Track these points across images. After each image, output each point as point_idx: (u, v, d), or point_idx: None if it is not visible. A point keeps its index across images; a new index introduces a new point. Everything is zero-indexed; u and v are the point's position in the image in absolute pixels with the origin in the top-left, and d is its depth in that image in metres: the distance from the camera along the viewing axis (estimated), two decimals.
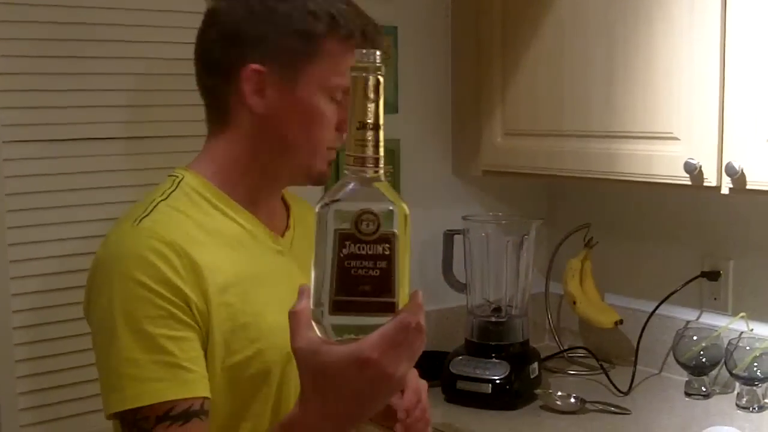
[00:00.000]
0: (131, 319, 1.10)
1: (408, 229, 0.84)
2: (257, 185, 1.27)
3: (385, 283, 0.82)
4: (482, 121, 2.18)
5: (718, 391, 2.07)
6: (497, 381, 2.01)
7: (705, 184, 1.75)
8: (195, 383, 1.11)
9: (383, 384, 0.85)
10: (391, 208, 0.83)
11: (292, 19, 1.21)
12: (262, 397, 1.20)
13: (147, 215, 1.17)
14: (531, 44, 2.05)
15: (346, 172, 0.85)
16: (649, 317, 2.16)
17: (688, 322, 2.14)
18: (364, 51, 0.85)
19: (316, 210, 0.84)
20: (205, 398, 1.12)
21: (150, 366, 1.09)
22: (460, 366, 2.05)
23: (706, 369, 2.06)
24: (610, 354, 2.31)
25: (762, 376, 1.97)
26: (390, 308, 0.83)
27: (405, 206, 0.84)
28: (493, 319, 2.11)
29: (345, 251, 0.81)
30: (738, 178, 1.69)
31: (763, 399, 1.99)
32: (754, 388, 1.98)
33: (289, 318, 0.86)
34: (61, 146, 1.80)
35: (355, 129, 0.84)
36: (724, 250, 2.13)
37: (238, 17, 1.22)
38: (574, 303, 2.28)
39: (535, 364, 2.08)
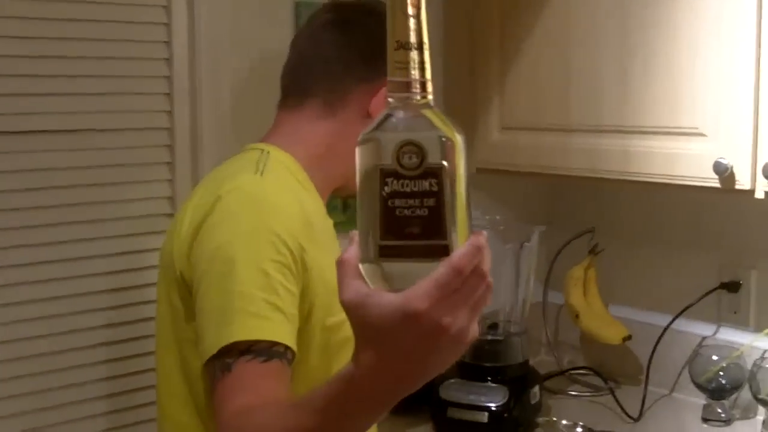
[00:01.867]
0: (256, 256, 1.18)
1: (461, 161, 0.76)
2: (329, 180, 1.41)
3: (435, 223, 0.74)
4: (477, 113, 1.99)
5: (739, 416, 1.90)
6: (494, 408, 1.81)
7: (737, 187, 1.55)
8: (293, 336, 1.19)
9: (440, 339, 0.75)
10: (437, 136, 0.75)
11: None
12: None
13: (262, 171, 1.30)
14: (533, 26, 1.85)
15: (389, 100, 0.78)
16: (663, 333, 1.99)
17: (704, 338, 1.98)
18: None
19: (357, 145, 0.78)
20: (292, 349, 1.18)
21: (262, 304, 1.16)
22: (451, 391, 1.86)
23: (726, 392, 1.88)
24: (616, 373, 2.13)
25: None
26: (443, 252, 0.75)
27: (457, 135, 0.76)
28: (489, 338, 1.92)
29: (387, 189, 0.75)
30: None
31: None
32: None
33: (337, 267, 0.79)
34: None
35: (393, 50, 0.77)
36: (746, 259, 1.95)
37: None
38: (577, 316, 2.10)
39: (536, 388, 1.89)
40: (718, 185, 1.57)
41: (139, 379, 1.73)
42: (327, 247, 1.33)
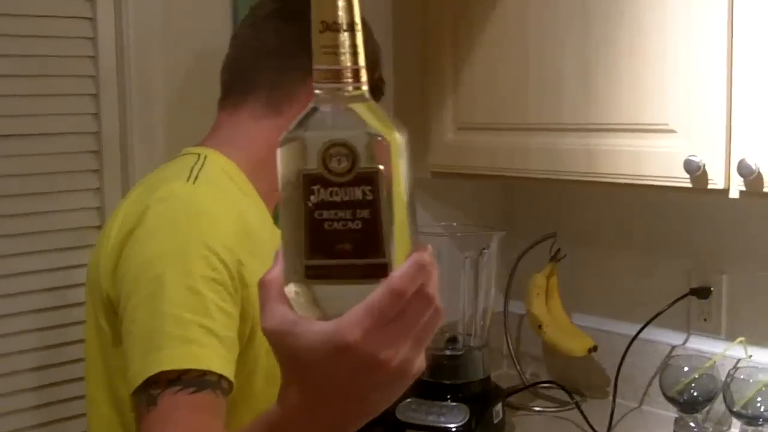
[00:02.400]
0: (186, 274, 1.07)
1: (402, 163, 0.66)
2: (277, 187, 1.12)
3: (370, 238, 0.64)
4: (430, 112, 1.89)
5: (712, 430, 1.82)
6: (455, 429, 1.72)
7: (710, 186, 1.45)
8: (229, 363, 1.07)
9: (378, 375, 0.64)
10: (370, 134, 0.65)
11: (374, 47, 1.36)
12: None
13: (196, 177, 1.18)
14: (488, 19, 1.75)
15: (316, 92, 0.66)
16: (630, 343, 1.90)
17: (674, 347, 1.91)
18: None
19: (278, 147, 0.67)
20: (227, 378, 1.06)
21: (193, 327, 1.05)
22: (408, 411, 1.75)
23: (698, 404, 1.79)
24: (581, 385, 2.04)
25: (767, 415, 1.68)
26: (381, 272, 0.64)
27: (396, 133, 0.66)
28: (448, 352, 1.82)
29: (313, 199, 0.65)
30: (753, 179, 1.39)
31: None
32: (759, 428, 1.70)
33: (258, 289, 0.69)
34: None
35: (318, 32, 0.66)
36: (716, 263, 1.86)
37: None
38: (540, 327, 2.00)
39: (499, 405, 1.80)
40: (689, 185, 1.47)
41: (69, 407, 1.60)
42: (271, 261, 1.20)
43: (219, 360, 1.05)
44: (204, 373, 1.03)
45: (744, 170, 1.38)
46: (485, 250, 1.85)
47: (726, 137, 1.42)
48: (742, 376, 1.70)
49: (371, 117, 0.66)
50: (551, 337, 1.99)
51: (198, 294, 1.06)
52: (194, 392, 1.02)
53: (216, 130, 1.32)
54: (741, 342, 1.76)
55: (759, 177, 1.38)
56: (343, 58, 0.65)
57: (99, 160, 1.62)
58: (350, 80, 0.66)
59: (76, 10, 1.58)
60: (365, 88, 0.67)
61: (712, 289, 1.86)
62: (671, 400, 1.80)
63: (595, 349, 1.95)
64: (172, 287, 1.06)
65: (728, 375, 1.71)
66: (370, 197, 0.64)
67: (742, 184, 1.40)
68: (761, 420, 1.69)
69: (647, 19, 1.51)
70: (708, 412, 1.80)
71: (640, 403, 1.95)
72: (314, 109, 0.66)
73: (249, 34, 1.32)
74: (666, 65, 1.48)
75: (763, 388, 1.68)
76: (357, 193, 0.64)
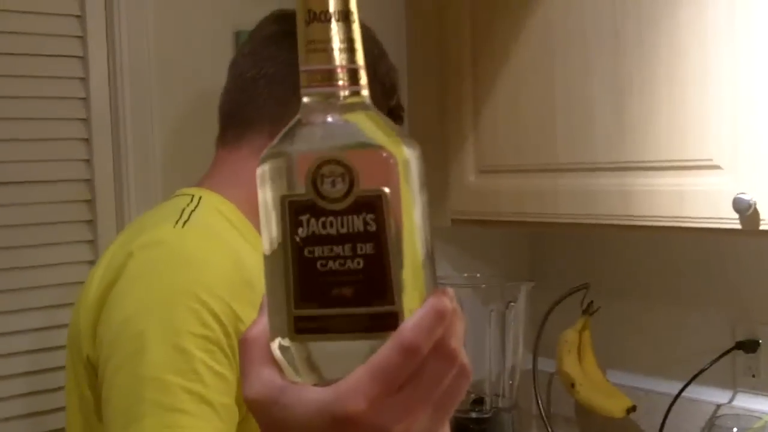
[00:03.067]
0: (172, 330, 0.95)
1: (414, 184, 0.54)
2: None
3: (375, 280, 0.52)
4: (449, 154, 1.78)
5: None
6: None
7: (763, 226, 1.32)
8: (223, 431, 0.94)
9: None
10: (372, 148, 0.53)
11: (390, 70, 1.21)
12: None
13: (186, 220, 1.06)
14: (511, 50, 1.64)
15: (304, 99, 0.55)
16: (673, 402, 1.76)
17: (719, 406, 1.77)
18: None
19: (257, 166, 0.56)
20: None
21: (181, 394, 0.92)
22: None
23: None
24: None
25: None
26: (388, 323, 0.52)
27: (405, 147, 0.54)
28: (474, 415, 1.70)
29: (302, 233, 0.53)
30: None
31: None
32: None
33: (239, 348, 0.57)
34: None
35: (305, 24, 0.54)
36: (764, 313, 1.73)
37: None
38: (573, 386, 1.87)
39: None
40: (738, 226, 1.34)
41: None
42: None
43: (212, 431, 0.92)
44: None
45: None
46: (512, 303, 1.75)
47: None
48: None
49: (373, 127, 0.54)
50: (585, 396, 1.85)
51: (185, 353, 0.94)
52: None
53: (214, 168, 1.20)
54: None
55: None
56: (336, 54, 0.53)
57: (92, 210, 1.52)
58: (346, 83, 0.54)
59: (66, 50, 1.49)
60: (365, 92, 0.54)
61: (760, 341, 1.73)
62: None
63: (633, 409, 1.82)
64: (155, 346, 0.94)
65: None
66: (373, 228, 0.52)
67: None
68: None
69: (687, 40, 1.39)
70: None
71: None
72: (299, 121, 0.55)
73: (247, 62, 1.20)
74: (708, 92, 1.36)
75: None
76: (357, 223, 0.52)
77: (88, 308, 1.05)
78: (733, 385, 1.77)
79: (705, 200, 1.38)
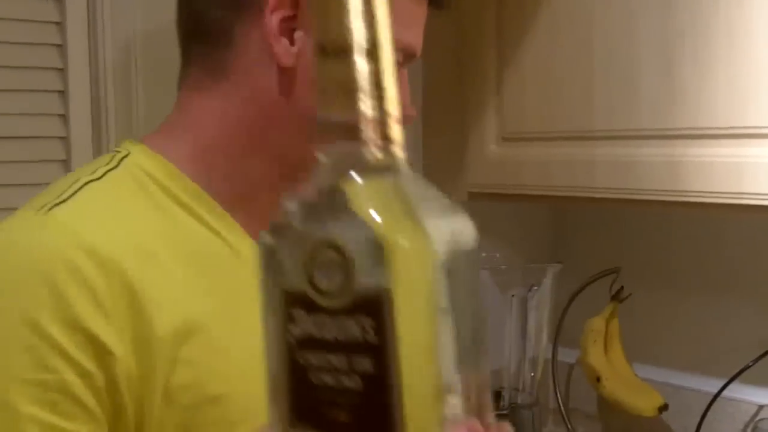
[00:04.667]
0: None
1: (433, 283, 0.42)
2: (251, 177, 0.91)
3: (375, 408, 0.42)
4: (468, 120, 1.66)
5: None
6: None
7: None
8: None
9: None
10: (377, 230, 0.42)
11: None
12: None
13: (63, 201, 0.82)
14: (542, 4, 1.51)
15: (319, 157, 0.46)
16: (712, 402, 1.63)
17: (762, 406, 1.65)
18: None
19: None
20: None
21: None
22: None
23: None
24: None
25: None
26: None
27: (427, 235, 0.42)
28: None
29: (295, 331, 0.44)
30: None
31: None
32: None
33: None
34: None
35: (321, 58, 0.43)
36: None
37: None
38: (598, 380, 1.75)
39: None
40: None
41: None
42: (226, 295, 0.88)
43: None
44: None
45: None
46: (535, 288, 1.64)
47: None
48: None
49: (397, 201, 0.45)
50: (612, 392, 1.74)
51: (7, 412, 0.73)
52: None
53: (166, 118, 0.98)
54: None
55: None
56: (362, 102, 0.44)
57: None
58: (371, 138, 0.45)
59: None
60: (398, 149, 0.46)
61: None
62: None
63: (666, 407, 1.71)
64: None
65: None
66: (372, 338, 0.43)
67: None
68: None
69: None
70: None
71: None
72: (311, 185, 0.48)
73: None
74: None
75: None
76: (353, 329, 0.43)
77: None
78: None
79: (760, 174, 1.25)
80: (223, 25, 0.89)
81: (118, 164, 0.88)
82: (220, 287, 0.86)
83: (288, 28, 0.86)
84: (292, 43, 0.87)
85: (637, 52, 1.38)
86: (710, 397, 1.63)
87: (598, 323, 1.75)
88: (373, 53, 0.44)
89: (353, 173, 0.45)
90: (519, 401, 1.59)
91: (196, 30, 0.92)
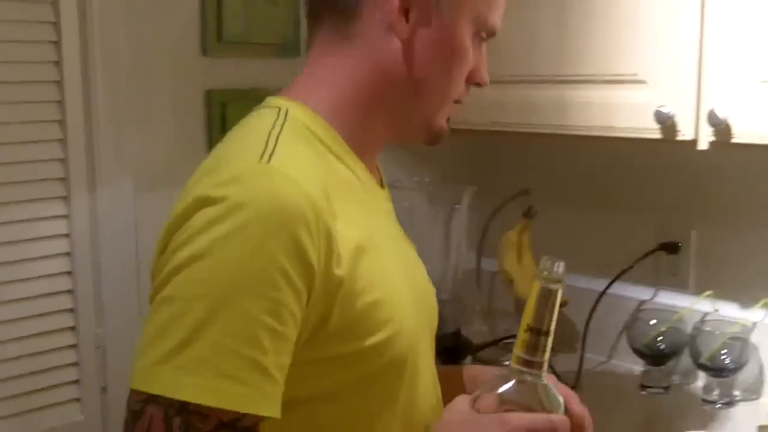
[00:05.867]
0: (240, 292, 0.84)
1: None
2: (372, 130, 1.02)
3: None
4: None
5: (678, 382, 1.83)
6: None
7: (679, 137, 1.46)
8: (274, 400, 0.87)
9: None
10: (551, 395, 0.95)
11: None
12: (392, 396, 0.99)
13: (273, 153, 0.90)
14: None
15: (510, 366, 0.94)
16: (599, 298, 1.90)
17: (642, 302, 1.91)
18: (552, 262, 0.96)
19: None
20: (268, 418, 0.87)
21: (235, 360, 0.84)
22: None
23: (665, 357, 1.81)
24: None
25: (732, 366, 1.70)
26: None
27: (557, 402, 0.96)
28: None
29: None
30: (722, 129, 1.39)
31: (734, 392, 1.72)
32: (724, 379, 1.71)
33: None
34: None
35: (524, 332, 0.93)
36: (686, 219, 1.87)
37: None
38: (512, 282, 2.00)
39: (469, 359, 1.80)
40: (659, 136, 1.47)
41: None
42: (373, 223, 1.00)
43: (260, 401, 0.86)
44: (255, 420, 0.86)
45: (713, 121, 1.38)
46: (457, 206, 1.84)
47: (696, 88, 1.42)
48: (708, 330, 1.72)
49: (550, 395, 0.95)
50: (522, 292, 1.97)
51: (247, 318, 0.85)
52: None
53: (301, 73, 1.05)
54: (708, 296, 1.78)
55: (727, 128, 1.38)
56: (538, 354, 0.92)
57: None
58: (537, 370, 0.93)
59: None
60: (545, 375, 0.93)
61: (680, 244, 1.86)
62: (639, 353, 1.82)
63: (564, 303, 1.86)
64: (219, 308, 0.84)
65: (694, 328, 1.74)
66: None
67: (711, 134, 1.41)
68: (726, 372, 1.71)
69: None
70: (674, 365, 1.82)
71: (609, 357, 1.96)
72: (506, 377, 0.94)
73: None
74: (639, 14, 1.48)
75: (729, 341, 1.70)
76: None
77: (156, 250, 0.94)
78: (656, 283, 1.90)
79: (630, 112, 1.50)
80: (351, 3, 0.99)
81: (286, 119, 0.97)
82: (368, 216, 0.99)
83: (404, 8, 0.98)
84: (407, 20, 0.98)
85: (536, 12, 1.61)
86: (597, 295, 1.89)
87: (512, 236, 1.99)
88: (547, 335, 0.92)
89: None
90: (442, 298, 1.81)
91: (327, 2, 1.01)
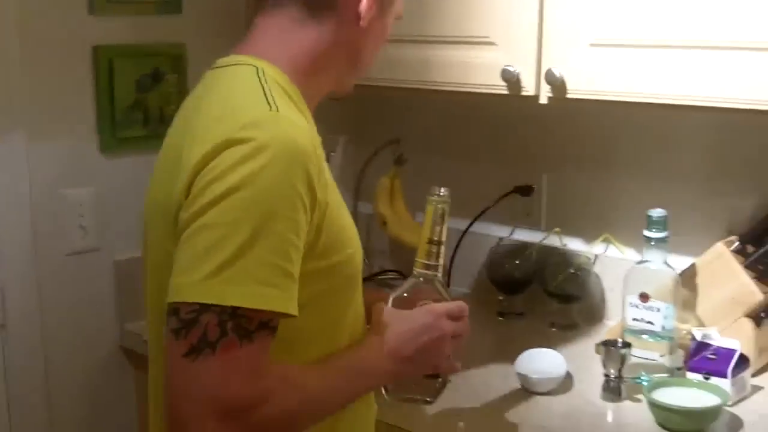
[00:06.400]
0: (272, 216, 1.01)
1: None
2: (318, 90, 1.22)
3: None
4: None
5: (531, 309, 2.02)
6: None
7: (523, 93, 1.65)
8: (295, 302, 1.04)
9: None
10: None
11: None
12: (346, 307, 1.18)
13: (276, 104, 1.07)
14: None
15: (414, 271, 1.27)
16: (462, 235, 2.09)
17: (501, 239, 2.08)
18: (439, 188, 1.26)
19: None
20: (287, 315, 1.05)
21: (271, 269, 1.01)
22: None
23: (519, 286, 2.01)
24: None
25: (576, 294, 1.93)
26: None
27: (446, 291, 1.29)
28: None
29: None
30: (558, 86, 1.59)
31: (578, 317, 1.95)
32: (569, 305, 1.94)
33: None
34: None
35: (425, 243, 1.26)
36: (538, 164, 2.06)
37: None
38: (384, 223, 2.18)
39: None
40: (506, 92, 1.65)
41: None
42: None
43: (288, 302, 1.03)
44: (279, 318, 1.03)
45: (550, 78, 1.58)
46: (332, 153, 1.99)
47: (537, 49, 1.61)
48: (556, 261, 1.94)
49: (443, 288, 1.28)
50: (395, 232, 2.16)
51: (277, 236, 1.02)
52: (269, 335, 1.03)
53: (255, 35, 1.18)
54: (557, 232, 1.98)
55: (562, 84, 1.58)
56: (433, 258, 1.25)
57: None
58: (434, 270, 1.26)
59: None
60: (440, 273, 1.27)
61: (534, 187, 2.05)
62: (496, 284, 2.02)
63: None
64: (256, 229, 1.00)
65: (545, 261, 1.94)
66: None
67: (549, 91, 1.60)
68: (570, 299, 1.94)
69: None
70: (526, 292, 2.01)
71: (473, 290, 2.15)
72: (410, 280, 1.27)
73: None
74: None
75: (573, 272, 1.92)
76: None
77: (184, 178, 1.05)
78: (512, 221, 2.08)
79: (483, 70, 1.68)
80: None
81: (265, 77, 1.11)
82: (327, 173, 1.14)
83: (371, 4, 1.16)
84: (370, 11, 1.16)
85: None
86: (461, 233, 2.08)
87: (384, 181, 2.16)
88: (439, 244, 1.23)
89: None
90: None
91: None
